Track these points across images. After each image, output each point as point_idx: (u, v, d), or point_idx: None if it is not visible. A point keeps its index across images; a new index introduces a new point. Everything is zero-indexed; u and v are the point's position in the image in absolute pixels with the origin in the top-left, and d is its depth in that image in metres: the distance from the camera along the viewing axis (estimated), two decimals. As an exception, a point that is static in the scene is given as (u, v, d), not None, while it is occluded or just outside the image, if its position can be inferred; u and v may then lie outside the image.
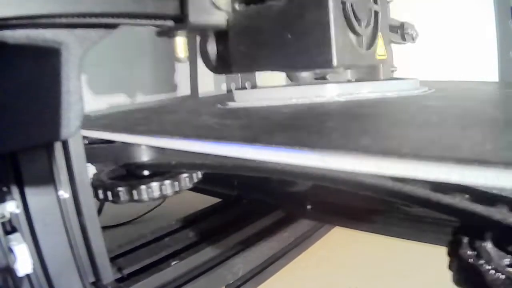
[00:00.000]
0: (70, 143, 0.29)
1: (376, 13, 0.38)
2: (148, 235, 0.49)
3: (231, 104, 0.45)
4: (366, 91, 0.41)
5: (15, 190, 0.26)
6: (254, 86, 0.91)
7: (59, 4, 0.24)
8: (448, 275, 0.21)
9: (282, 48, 0.33)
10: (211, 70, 0.39)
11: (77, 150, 0.30)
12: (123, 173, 0.39)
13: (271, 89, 0.44)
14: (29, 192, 0.27)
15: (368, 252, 0.58)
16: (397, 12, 0.74)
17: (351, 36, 0.34)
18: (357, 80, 0.53)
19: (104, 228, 0.31)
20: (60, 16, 0.24)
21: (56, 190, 0.28)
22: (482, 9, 0.77)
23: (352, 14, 0.33)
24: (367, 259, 0.57)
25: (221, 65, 0.38)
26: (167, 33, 0.34)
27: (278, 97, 0.42)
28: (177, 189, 0.35)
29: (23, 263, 0.26)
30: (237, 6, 0.34)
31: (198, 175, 0.37)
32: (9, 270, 0.26)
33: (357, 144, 0.21)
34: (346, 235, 0.61)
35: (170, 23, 0.31)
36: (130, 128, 0.35)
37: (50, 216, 0.28)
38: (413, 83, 0.46)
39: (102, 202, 0.41)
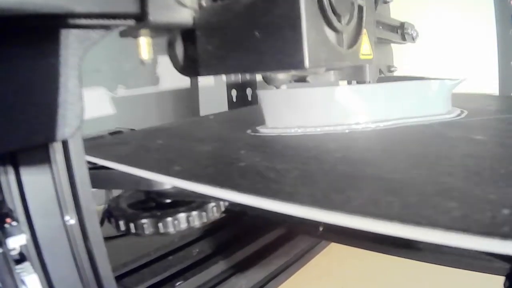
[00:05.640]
0: (71, 153, 0.28)
1: (360, 7, 0.35)
2: (152, 253, 0.49)
3: (263, 131, 0.44)
4: (401, 116, 0.42)
5: (23, 221, 0.26)
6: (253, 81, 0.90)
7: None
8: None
9: (251, 48, 0.29)
10: (180, 72, 0.36)
11: (79, 163, 0.29)
12: (141, 197, 0.36)
13: (301, 111, 0.43)
14: (36, 222, 0.26)
15: (367, 265, 0.57)
16: (397, 12, 0.74)
17: (329, 33, 0.31)
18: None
19: (105, 239, 0.30)
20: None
21: (62, 216, 0.28)
22: (482, 18, 0.77)
23: (330, 8, 0.30)
24: (367, 272, 0.56)
25: (189, 67, 0.34)
26: (130, 33, 0.31)
27: (312, 124, 0.42)
28: (205, 220, 0.33)
29: (35, 293, 0.26)
30: (203, 2, 0.31)
31: (225, 203, 0.34)
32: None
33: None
34: (345, 248, 0.60)
35: (131, 22, 0.28)
36: (163, 167, 0.32)
37: (57, 243, 0.27)
38: (447, 103, 0.46)
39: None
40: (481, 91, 0.73)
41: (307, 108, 0.43)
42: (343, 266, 0.58)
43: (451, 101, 0.48)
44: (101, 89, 0.83)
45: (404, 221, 0.19)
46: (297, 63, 0.28)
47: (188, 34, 0.33)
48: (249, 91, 0.95)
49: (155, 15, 0.28)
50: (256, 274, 0.52)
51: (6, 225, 0.24)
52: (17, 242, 0.24)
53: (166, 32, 0.34)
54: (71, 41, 0.26)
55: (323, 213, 0.22)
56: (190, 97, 1.03)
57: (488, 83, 0.75)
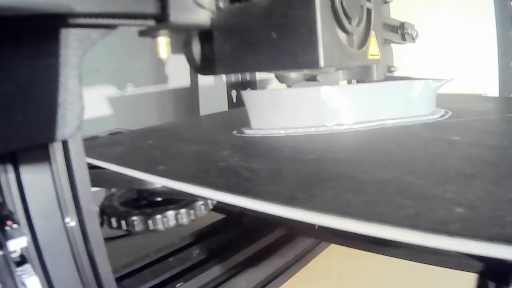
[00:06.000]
0: (71, 154, 0.28)
1: (369, 10, 0.37)
2: (152, 254, 0.49)
3: (248, 132, 0.45)
4: (384, 117, 0.43)
5: (23, 223, 0.26)
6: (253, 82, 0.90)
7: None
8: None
9: (267, 48, 0.31)
10: (195, 71, 0.38)
11: (79, 164, 0.28)
12: (133, 195, 0.38)
13: (285, 113, 0.44)
14: (37, 224, 0.26)
15: (367, 266, 0.57)
16: (397, 12, 0.73)
17: (341, 34, 0.33)
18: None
19: (106, 240, 0.30)
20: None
21: (63, 218, 0.28)
22: (482, 18, 0.77)
23: (342, 11, 0.31)
24: (366, 273, 0.56)
25: (205, 66, 0.36)
26: (149, 33, 0.32)
27: (296, 125, 0.43)
28: (192, 217, 0.35)
29: (36, 295, 0.26)
30: (221, 4, 0.32)
31: (212, 201, 0.36)
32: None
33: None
34: (344, 249, 0.60)
35: (151, 22, 0.29)
36: (149, 166, 0.34)
37: (58, 245, 0.27)
38: (431, 104, 0.47)
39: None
40: (481, 91, 0.73)
41: (290, 109, 0.44)
42: (343, 267, 0.58)
43: (435, 101, 0.49)
44: (101, 89, 0.83)
45: (357, 217, 0.20)
46: (312, 63, 0.29)
47: (205, 34, 0.34)
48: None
49: (175, 16, 0.29)
50: (256, 275, 0.52)
51: (7, 228, 0.24)
52: (17, 244, 0.24)
53: (183, 32, 0.35)
54: (71, 41, 0.26)
55: (285, 209, 0.23)
56: (190, 97, 1.03)
57: (488, 84, 0.75)
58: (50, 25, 0.25)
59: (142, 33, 0.32)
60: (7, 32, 0.23)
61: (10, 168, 0.25)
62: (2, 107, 0.23)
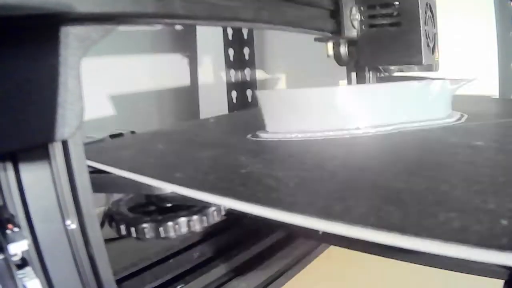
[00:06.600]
0: (72, 156, 0.28)
1: (435, 34, 0.61)
2: (153, 256, 0.49)
3: (264, 136, 0.44)
4: (401, 120, 0.43)
5: (24, 226, 0.26)
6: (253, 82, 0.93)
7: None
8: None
9: (392, 52, 0.57)
10: (340, 64, 0.64)
11: (79, 165, 0.28)
12: (141, 201, 0.37)
13: (302, 115, 0.43)
14: (38, 227, 0.26)
15: (367, 268, 0.57)
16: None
17: (427, 46, 0.57)
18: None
19: (106, 241, 0.30)
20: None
21: (63, 220, 0.27)
22: (482, 19, 0.76)
23: (426, 34, 0.57)
24: (366, 275, 0.56)
25: (349, 61, 0.63)
26: (323, 40, 0.61)
27: (313, 129, 0.42)
28: (205, 224, 0.34)
29: (37, 298, 0.26)
30: (363, 27, 0.59)
31: (225, 207, 0.35)
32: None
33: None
34: (344, 251, 0.60)
35: (328, 34, 0.58)
36: (163, 172, 0.33)
37: (59, 248, 0.27)
38: (448, 106, 0.46)
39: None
40: (481, 93, 0.72)
41: (306, 110, 0.43)
42: (343, 269, 0.58)
43: (451, 104, 0.48)
44: (101, 89, 0.83)
45: (404, 232, 0.20)
46: (418, 61, 0.57)
47: (351, 42, 0.61)
48: (249, 92, 0.94)
49: (347, 32, 0.58)
50: (256, 276, 0.52)
51: (8, 231, 0.24)
52: (18, 247, 0.24)
53: (338, 39, 0.61)
54: (71, 41, 0.26)
55: (323, 223, 0.22)
56: (190, 97, 1.03)
57: (488, 85, 0.75)
58: (51, 25, 0.25)
59: (319, 40, 0.61)
60: (7, 32, 0.23)
61: (10, 169, 0.25)
62: (2, 107, 0.23)
